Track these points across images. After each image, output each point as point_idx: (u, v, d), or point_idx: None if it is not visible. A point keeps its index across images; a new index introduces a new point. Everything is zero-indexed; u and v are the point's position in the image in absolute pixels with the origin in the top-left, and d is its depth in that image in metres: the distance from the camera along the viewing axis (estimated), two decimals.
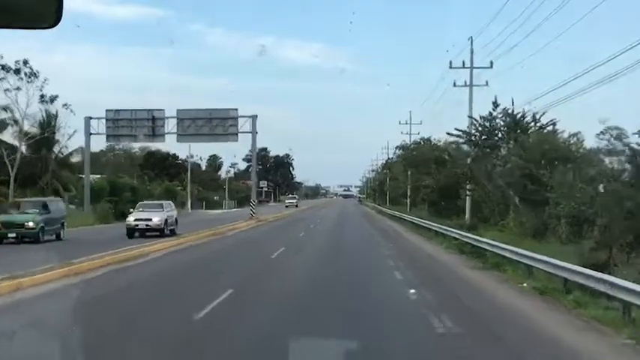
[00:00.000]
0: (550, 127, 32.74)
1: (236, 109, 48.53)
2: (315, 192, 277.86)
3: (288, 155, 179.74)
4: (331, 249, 25.40)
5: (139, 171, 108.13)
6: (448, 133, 36.36)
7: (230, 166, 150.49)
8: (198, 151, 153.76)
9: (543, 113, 32.29)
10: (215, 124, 48.17)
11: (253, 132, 48.12)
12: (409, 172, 68.71)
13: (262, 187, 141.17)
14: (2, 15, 2.45)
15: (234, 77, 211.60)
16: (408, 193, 69.71)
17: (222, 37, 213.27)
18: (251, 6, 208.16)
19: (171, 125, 48.27)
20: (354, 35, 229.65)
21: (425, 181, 54.55)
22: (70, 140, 53.62)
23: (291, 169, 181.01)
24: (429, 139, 64.18)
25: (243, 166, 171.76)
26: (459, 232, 27.02)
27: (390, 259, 21.14)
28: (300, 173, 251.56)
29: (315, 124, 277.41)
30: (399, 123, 71.16)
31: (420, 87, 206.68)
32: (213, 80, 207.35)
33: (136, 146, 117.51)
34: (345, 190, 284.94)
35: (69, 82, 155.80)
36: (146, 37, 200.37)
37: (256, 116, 48.41)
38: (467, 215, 37.64)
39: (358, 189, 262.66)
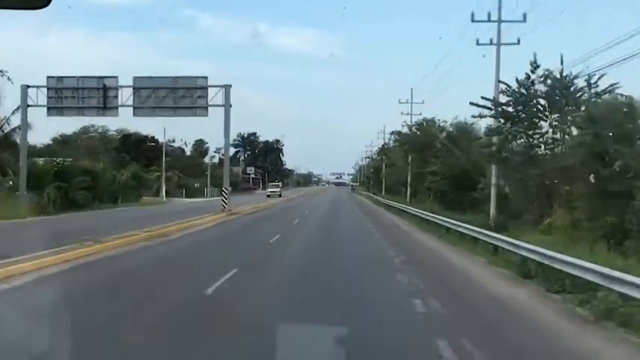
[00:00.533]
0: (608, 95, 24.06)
1: (205, 77, 39.61)
2: (307, 180, 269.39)
3: (278, 141, 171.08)
4: (315, 267, 16.09)
5: (115, 154, 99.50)
6: (472, 104, 27.46)
7: (215, 151, 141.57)
8: (181, 135, 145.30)
9: (601, 76, 23.64)
10: (180, 94, 39.20)
11: (226, 105, 39.17)
12: (409, 158, 60.08)
13: (249, 174, 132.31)
14: None
15: (226, 63, 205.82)
16: (409, 181, 61.05)
17: (214, 22, 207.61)
18: None
19: (126, 96, 39.36)
20: (347, 21, 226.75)
21: (431, 167, 45.94)
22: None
23: (281, 155, 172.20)
24: (432, 120, 55.63)
25: (231, 151, 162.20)
26: (491, 233, 18.58)
27: (416, 297, 11.37)
28: (292, 160, 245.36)
29: (308, 111, 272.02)
30: (399, 102, 62.40)
31: (417, 72, 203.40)
32: (203, 65, 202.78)
33: (112, 128, 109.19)
34: (337, 178, 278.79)
35: (54, 65, 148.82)
36: (136, 21, 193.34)
37: (230, 86, 39.43)
38: (492, 210, 28.97)
39: (351, 177, 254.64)
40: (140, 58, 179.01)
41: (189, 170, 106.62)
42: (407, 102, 61.90)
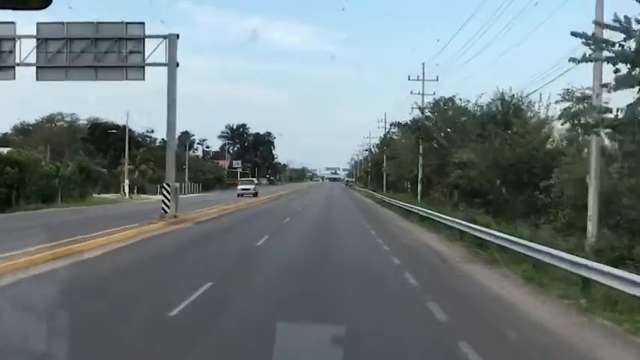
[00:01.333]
0: None
1: (142, 24, 27.12)
2: (301, 175, 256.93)
3: (269, 134, 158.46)
4: None
5: (81, 145, 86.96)
6: (575, 34, 15.01)
7: (198, 143, 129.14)
8: (158, 125, 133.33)
9: None
10: (104, 48, 26.70)
11: (171, 63, 26.62)
12: (421, 148, 47.70)
13: (237, 168, 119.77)
14: None
15: (223, 57, 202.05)
16: (419, 177, 48.75)
17: (211, 18, 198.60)
18: None
19: (26, 51, 26.78)
20: (344, 18, 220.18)
21: (457, 157, 33.57)
22: None
23: (272, 148, 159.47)
24: (451, 99, 43.16)
25: (217, 144, 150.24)
26: None
27: None
28: (287, 155, 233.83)
29: (303, 106, 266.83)
30: (409, 79, 49.92)
31: (415, 69, 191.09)
32: (200, 60, 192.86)
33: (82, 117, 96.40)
34: (332, 174, 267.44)
35: None
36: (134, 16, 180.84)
37: (176, 36, 26.85)
38: (590, 226, 16.44)
39: (346, 172, 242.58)
40: None
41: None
42: (417, 79, 49.43)
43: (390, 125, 78.51)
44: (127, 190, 60.50)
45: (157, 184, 79.21)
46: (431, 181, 47.89)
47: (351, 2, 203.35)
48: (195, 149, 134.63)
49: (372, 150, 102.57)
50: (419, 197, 47.41)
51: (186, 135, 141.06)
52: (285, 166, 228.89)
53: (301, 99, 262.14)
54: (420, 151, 47.48)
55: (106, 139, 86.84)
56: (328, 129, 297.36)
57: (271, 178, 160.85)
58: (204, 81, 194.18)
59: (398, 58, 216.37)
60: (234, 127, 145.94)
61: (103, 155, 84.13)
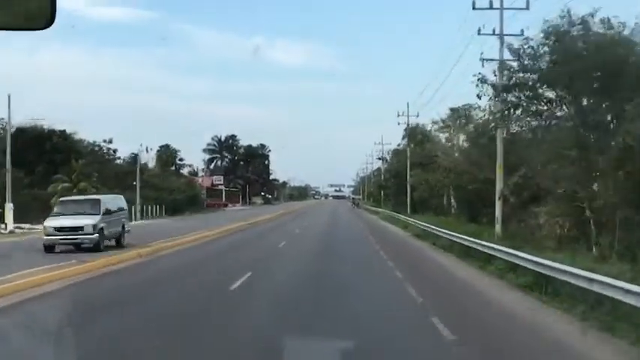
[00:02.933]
0: None
1: None
2: (303, 193, 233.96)
3: (263, 146, 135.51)
4: None
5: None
6: None
7: (179, 160, 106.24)
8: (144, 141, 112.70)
9: None
10: None
11: None
12: (503, 133, 24.79)
13: (218, 184, 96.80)
14: None
15: (223, 77, 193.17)
16: (498, 187, 25.59)
17: (213, 39, 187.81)
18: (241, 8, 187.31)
19: None
20: (344, 34, 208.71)
21: None
22: None
23: (266, 162, 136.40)
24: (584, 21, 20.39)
25: (204, 157, 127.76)
26: None
27: None
28: (288, 173, 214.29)
29: (304, 124, 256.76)
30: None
31: (417, 83, 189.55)
32: (202, 80, 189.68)
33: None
34: (336, 191, 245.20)
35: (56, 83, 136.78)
36: (135, 38, 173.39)
37: None
38: None
39: (352, 189, 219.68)
40: (138, 73, 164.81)
41: (122, 181, 70.16)
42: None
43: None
44: (8, 218, 37.33)
45: None
46: (521, 195, 24.79)
47: (352, 18, 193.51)
48: (180, 167, 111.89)
49: (386, 158, 79.65)
50: (498, 229, 24.34)
51: (166, 149, 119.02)
52: (284, 183, 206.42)
53: (302, 117, 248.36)
54: (500, 138, 24.39)
55: (38, 148, 64.04)
56: (331, 146, 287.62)
57: (267, 196, 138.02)
58: (200, 100, 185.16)
59: (400, 75, 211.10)
60: (222, 139, 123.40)
61: (29, 171, 61.41)
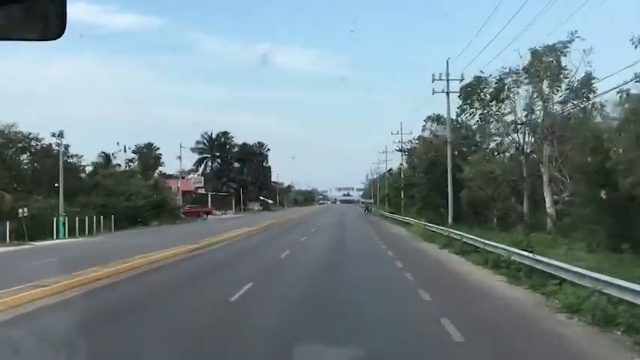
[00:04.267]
0: None
1: None
2: (309, 197, 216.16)
3: (261, 144, 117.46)
4: None
5: None
6: None
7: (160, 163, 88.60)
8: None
9: None
10: None
11: None
12: None
13: (198, 187, 79.02)
14: (5, 27, 2.31)
15: (232, 85, 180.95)
16: None
17: (219, 45, 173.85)
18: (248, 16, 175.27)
19: None
20: (352, 42, 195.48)
21: None
22: None
23: (265, 163, 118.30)
24: None
25: (192, 159, 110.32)
26: None
27: None
28: (294, 177, 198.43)
29: (312, 130, 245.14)
30: None
31: (425, 89, 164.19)
32: (212, 89, 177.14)
33: None
34: (345, 195, 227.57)
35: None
36: (142, 46, 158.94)
37: None
38: None
39: (361, 192, 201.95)
40: (142, 81, 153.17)
41: (71, 185, 52.03)
42: None
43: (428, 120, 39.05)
44: None
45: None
46: None
47: (358, 25, 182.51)
48: (160, 171, 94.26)
49: (406, 151, 61.59)
50: None
51: (149, 147, 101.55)
52: (289, 187, 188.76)
53: (310, 123, 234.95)
54: None
55: None
56: (340, 151, 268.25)
57: (267, 201, 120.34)
58: (206, 108, 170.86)
59: (409, 80, 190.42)
60: (213, 137, 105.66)
61: None
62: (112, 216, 47.40)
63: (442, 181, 37.60)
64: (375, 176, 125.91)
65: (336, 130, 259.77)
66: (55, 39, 2.42)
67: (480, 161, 30.22)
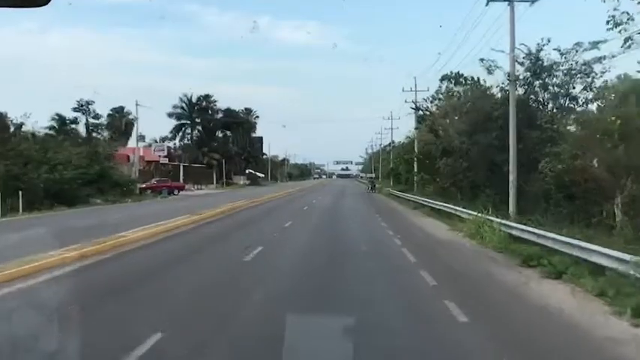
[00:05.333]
0: None
1: None
2: (305, 171, 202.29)
3: (249, 111, 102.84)
4: None
5: None
6: None
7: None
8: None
9: None
10: None
11: None
12: None
13: (160, 156, 64.57)
14: None
15: (229, 57, 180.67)
16: None
17: (216, 18, 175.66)
18: None
19: None
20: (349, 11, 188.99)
21: None
22: None
23: (253, 132, 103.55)
24: None
25: (168, 125, 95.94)
26: None
27: None
28: (290, 150, 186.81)
29: (310, 103, 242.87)
30: None
31: (423, 61, 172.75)
32: (208, 60, 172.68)
33: None
34: (343, 169, 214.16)
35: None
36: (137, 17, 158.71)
37: None
38: None
39: (360, 167, 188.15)
40: (140, 54, 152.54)
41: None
42: None
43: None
44: None
45: None
46: None
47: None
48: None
49: (423, 110, 47.24)
50: None
51: (120, 112, 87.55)
52: (284, 161, 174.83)
53: (308, 95, 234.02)
54: None
55: None
56: (338, 124, 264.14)
57: (255, 174, 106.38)
58: (206, 80, 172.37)
59: (406, 50, 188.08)
60: (194, 100, 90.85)
61: None
62: (20, 192, 33.44)
63: (488, 153, 23.83)
64: (377, 148, 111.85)
65: (334, 104, 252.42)
66: (42, 5, 2.46)
67: (601, 117, 16.28)
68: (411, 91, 53.77)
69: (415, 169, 49.14)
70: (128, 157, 53.64)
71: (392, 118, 76.84)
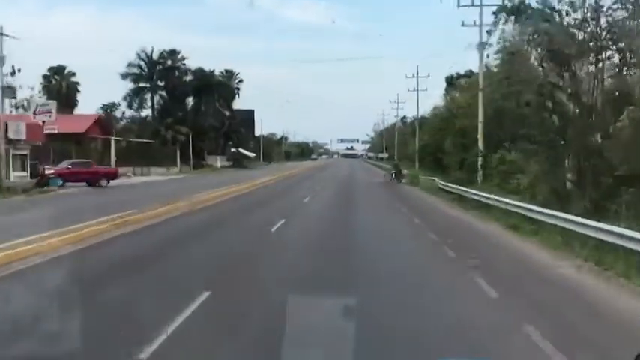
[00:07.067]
0: None
1: None
2: (306, 150, 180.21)
3: (229, 74, 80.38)
4: None
5: None
6: None
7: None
8: None
9: None
10: None
11: None
12: None
13: (44, 123, 42.25)
14: None
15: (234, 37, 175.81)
16: None
17: None
18: None
19: None
20: None
21: None
22: None
23: (236, 98, 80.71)
24: None
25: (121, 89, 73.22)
26: None
27: None
28: (292, 128, 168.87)
29: (313, 83, 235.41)
30: None
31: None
32: (212, 40, 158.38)
33: None
34: (348, 149, 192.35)
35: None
36: None
37: None
38: None
39: (367, 146, 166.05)
40: (146, 34, 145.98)
41: None
42: None
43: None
44: None
45: None
46: None
47: None
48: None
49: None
50: None
51: (60, 72, 66.27)
52: (282, 139, 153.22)
53: (311, 73, 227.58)
54: None
55: None
56: (341, 102, 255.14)
57: (240, 152, 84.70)
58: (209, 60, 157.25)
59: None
60: (155, 57, 68.53)
61: None
62: None
63: None
64: (394, 121, 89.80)
65: (337, 81, 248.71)
66: None
67: None
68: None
69: (480, 145, 27.54)
70: (7, 125, 32.06)
71: (417, 75, 54.85)
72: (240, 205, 22.59)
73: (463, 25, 28.91)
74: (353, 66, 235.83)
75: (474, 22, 28.36)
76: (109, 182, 35.34)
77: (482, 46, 27.08)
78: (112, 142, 44.98)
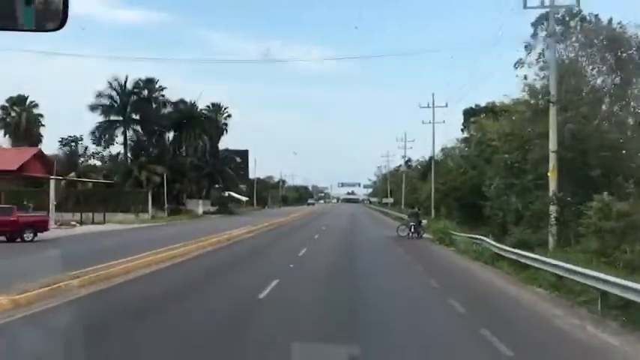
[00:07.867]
0: None
1: None
2: (304, 195, 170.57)
3: (217, 107, 71.38)
4: None
5: None
6: None
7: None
8: None
9: None
10: None
11: None
12: None
13: None
14: (8, 17, 2.26)
15: (239, 82, 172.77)
16: None
17: (226, 43, 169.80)
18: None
19: None
20: (355, 41, 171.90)
21: None
22: None
23: (223, 134, 70.93)
24: None
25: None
26: None
27: None
28: (291, 171, 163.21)
29: (314, 128, 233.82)
30: None
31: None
32: (217, 85, 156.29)
33: None
34: (349, 193, 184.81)
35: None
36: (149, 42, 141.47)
37: None
38: None
39: (368, 190, 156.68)
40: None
41: None
42: None
43: None
44: None
45: None
46: None
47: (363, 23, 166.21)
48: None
49: None
50: None
51: (20, 102, 57.04)
52: (280, 182, 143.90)
53: (312, 121, 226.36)
54: None
55: None
56: (342, 148, 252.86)
57: (229, 196, 75.07)
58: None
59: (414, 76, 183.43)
60: (129, 87, 59.46)
61: None
62: None
63: None
64: (398, 163, 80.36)
65: (339, 127, 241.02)
66: (56, 30, 2.38)
67: None
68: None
69: (553, 187, 17.90)
70: None
71: (433, 105, 45.55)
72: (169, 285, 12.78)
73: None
74: (353, 112, 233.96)
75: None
76: (35, 235, 25.56)
77: (553, 34, 17.74)
78: (52, 183, 35.34)
